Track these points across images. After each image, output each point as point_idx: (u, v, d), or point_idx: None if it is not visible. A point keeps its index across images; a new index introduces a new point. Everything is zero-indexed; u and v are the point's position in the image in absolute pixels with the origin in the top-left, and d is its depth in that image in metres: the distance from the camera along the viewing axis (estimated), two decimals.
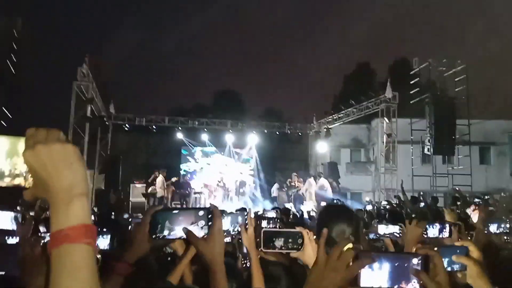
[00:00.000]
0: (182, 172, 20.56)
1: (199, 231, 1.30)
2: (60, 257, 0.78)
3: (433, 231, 2.39)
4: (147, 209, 1.54)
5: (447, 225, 2.38)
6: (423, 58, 17.98)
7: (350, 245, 1.11)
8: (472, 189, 16.60)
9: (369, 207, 11.94)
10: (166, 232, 1.32)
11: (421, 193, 15.60)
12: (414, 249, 2.00)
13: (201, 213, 1.33)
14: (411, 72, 18.60)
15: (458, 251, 1.47)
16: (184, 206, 15.19)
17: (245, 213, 1.86)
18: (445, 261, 1.39)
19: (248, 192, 18.64)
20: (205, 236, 1.30)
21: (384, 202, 13.61)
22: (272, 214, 5.85)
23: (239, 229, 1.79)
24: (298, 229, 1.58)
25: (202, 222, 1.32)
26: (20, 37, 12.93)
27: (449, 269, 1.43)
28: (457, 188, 14.90)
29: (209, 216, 1.32)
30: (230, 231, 1.88)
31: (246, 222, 1.79)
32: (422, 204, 12.23)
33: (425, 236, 2.38)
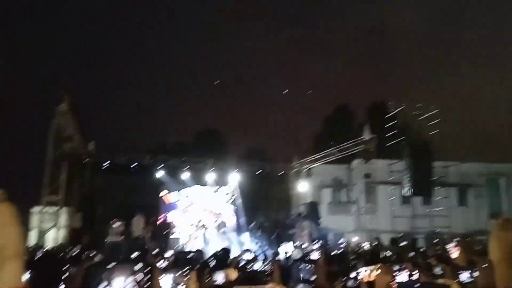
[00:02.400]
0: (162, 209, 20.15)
1: (134, 285, 1.29)
2: None
3: (401, 277, 2.41)
4: (81, 262, 1.49)
5: (415, 270, 2.40)
6: (399, 101, 18.55)
7: None
8: (452, 230, 16.75)
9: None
10: (104, 285, 1.31)
11: (401, 234, 15.66)
12: None
13: (137, 266, 1.32)
14: (387, 116, 19.12)
15: None
16: (161, 247, 14.84)
17: (184, 271, 1.79)
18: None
19: (229, 232, 18.33)
20: None
21: (364, 244, 13.59)
22: (248, 256, 5.79)
23: None
24: (269, 285, 1.55)
25: (140, 275, 1.30)
26: None
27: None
28: (437, 231, 15.06)
29: (146, 271, 1.31)
30: None
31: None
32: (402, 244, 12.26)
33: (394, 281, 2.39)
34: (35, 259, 8.06)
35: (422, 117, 17.69)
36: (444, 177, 18.15)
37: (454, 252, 5.53)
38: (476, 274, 3.16)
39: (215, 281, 3.39)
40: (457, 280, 2.89)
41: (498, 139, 29.66)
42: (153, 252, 11.41)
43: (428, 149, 16.62)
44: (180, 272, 1.73)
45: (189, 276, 1.74)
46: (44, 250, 10.97)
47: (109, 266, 1.24)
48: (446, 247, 7.73)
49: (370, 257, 8.43)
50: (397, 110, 18.38)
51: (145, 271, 1.26)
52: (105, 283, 1.22)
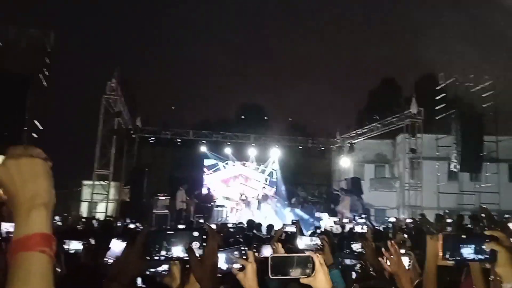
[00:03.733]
0: (205, 183, 20.72)
1: (194, 251, 1.34)
2: (15, 265, 0.81)
3: None
4: (141, 230, 1.53)
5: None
6: (449, 74, 17.72)
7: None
8: (501, 207, 16.11)
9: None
10: (163, 253, 1.35)
11: (447, 211, 15.26)
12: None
13: (196, 233, 1.37)
14: (437, 88, 18.33)
15: (487, 240, 1.40)
16: (204, 220, 15.31)
17: (242, 249, 1.72)
18: (472, 249, 1.39)
19: (269, 207, 18.59)
20: (199, 257, 1.33)
21: (408, 220, 13.39)
22: (291, 228, 5.88)
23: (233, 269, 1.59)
24: (308, 253, 1.50)
25: (196, 243, 1.35)
26: (52, 50, 13.43)
27: (476, 258, 1.40)
28: (484, 207, 14.50)
29: (204, 237, 1.35)
30: (223, 269, 1.68)
31: (245, 258, 1.61)
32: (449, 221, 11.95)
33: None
34: (90, 228, 8.63)
35: (474, 89, 16.85)
36: (495, 152, 17.34)
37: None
38: None
39: (262, 255, 3.40)
40: None
41: None
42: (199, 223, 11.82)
43: (480, 123, 15.88)
44: (235, 249, 1.69)
45: (244, 255, 1.70)
46: (97, 220, 11.63)
47: (169, 233, 1.29)
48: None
49: (415, 234, 8.30)
50: (447, 82, 17.59)
51: (203, 238, 1.31)
52: (165, 250, 1.28)
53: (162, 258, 1.35)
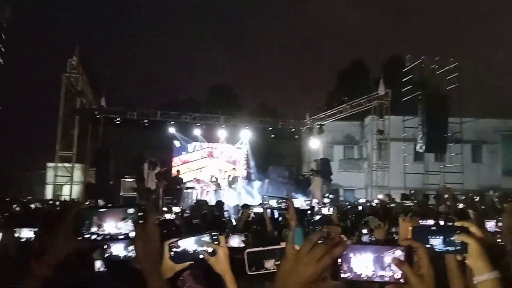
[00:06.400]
0: (174, 165, 20.38)
1: (128, 227, 1.24)
2: None
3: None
4: (71, 206, 1.40)
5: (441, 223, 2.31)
6: (416, 56, 17.96)
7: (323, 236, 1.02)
8: (464, 187, 16.65)
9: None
10: (94, 229, 1.24)
11: (412, 191, 15.65)
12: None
13: (130, 210, 1.27)
14: (404, 70, 18.56)
15: (457, 231, 1.37)
16: (176, 201, 15.07)
17: (213, 234, 1.65)
18: (441, 240, 1.35)
19: (240, 188, 18.53)
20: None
21: (376, 200, 13.60)
22: (258, 209, 5.78)
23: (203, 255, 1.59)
24: (283, 244, 1.47)
25: (131, 220, 1.25)
26: (8, 25, 12.65)
27: (445, 250, 1.36)
28: (448, 187, 14.94)
29: (140, 214, 1.26)
30: (192, 253, 1.62)
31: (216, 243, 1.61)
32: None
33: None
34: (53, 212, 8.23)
35: (439, 71, 17.16)
36: (459, 133, 17.83)
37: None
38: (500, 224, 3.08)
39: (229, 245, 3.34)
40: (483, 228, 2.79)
41: None
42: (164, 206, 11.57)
43: (445, 105, 16.25)
44: (207, 234, 1.64)
45: (216, 240, 1.66)
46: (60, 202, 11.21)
47: (101, 210, 1.18)
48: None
49: (382, 213, 8.39)
50: (413, 64, 17.83)
51: (139, 215, 1.20)
52: (96, 226, 1.16)
53: (94, 236, 1.24)
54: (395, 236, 3.64)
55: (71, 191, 16.55)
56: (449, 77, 17.06)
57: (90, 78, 17.03)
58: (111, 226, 1.23)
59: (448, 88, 17.22)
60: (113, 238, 1.27)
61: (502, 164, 23.51)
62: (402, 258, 1.05)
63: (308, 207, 10.07)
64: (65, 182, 16.73)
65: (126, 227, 1.24)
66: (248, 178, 20.24)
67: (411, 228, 1.42)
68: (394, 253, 1.06)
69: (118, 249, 2.61)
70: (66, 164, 16.59)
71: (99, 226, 1.23)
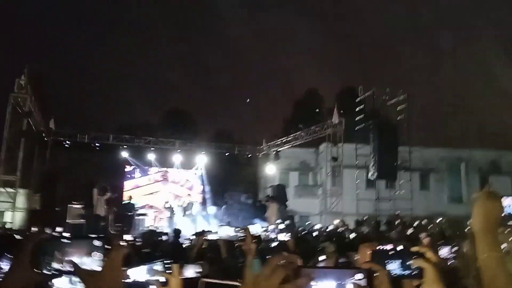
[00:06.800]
0: (125, 191, 19.66)
1: (93, 263, 1.10)
2: None
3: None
4: (30, 236, 1.24)
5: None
6: (368, 87, 18.74)
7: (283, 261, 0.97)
8: (413, 213, 17.22)
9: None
10: (56, 265, 1.10)
11: (365, 217, 15.97)
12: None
13: (97, 243, 1.13)
14: (357, 100, 19.28)
15: (414, 256, 1.37)
16: (126, 228, 14.49)
17: (165, 263, 1.60)
18: (398, 265, 1.34)
19: (196, 214, 18.13)
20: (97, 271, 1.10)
21: (331, 226, 13.75)
22: (213, 236, 5.65)
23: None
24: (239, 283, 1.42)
25: (98, 254, 1.11)
26: None
27: (402, 274, 1.35)
28: (397, 213, 15.46)
29: (107, 247, 1.13)
30: (142, 284, 1.56)
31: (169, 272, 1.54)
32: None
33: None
34: None
35: (390, 102, 17.95)
36: (408, 162, 18.58)
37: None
38: (455, 249, 3.15)
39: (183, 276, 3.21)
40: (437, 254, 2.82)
41: (461, 124, 30.79)
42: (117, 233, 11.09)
43: (395, 134, 16.93)
44: (159, 262, 1.53)
45: (170, 269, 1.54)
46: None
47: (64, 241, 1.03)
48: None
49: (336, 239, 8.46)
50: (365, 95, 18.57)
51: (105, 248, 1.06)
52: (58, 262, 1.01)
53: (56, 272, 1.10)
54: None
55: (13, 218, 15.49)
56: (398, 108, 17.88)
57: (40, 99, 16.31)
58: (75, 260, 1.08)
59: (398, 118, 18.01)
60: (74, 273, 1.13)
61: (448, 191, 24.71)
62: (364, 282, 1.05)
63: (265, 234, 10.01)
64: (6, 208, 15.65)
65: (92, 262, 1.09)
66: (203, 203, 19.89)
67: (370, 252, 1.41)
68: (354, 276, 1.06)
69: (62, 283, 2.40)
70: (9, 189, 15.57)
71: (62, 262, 1.09)
